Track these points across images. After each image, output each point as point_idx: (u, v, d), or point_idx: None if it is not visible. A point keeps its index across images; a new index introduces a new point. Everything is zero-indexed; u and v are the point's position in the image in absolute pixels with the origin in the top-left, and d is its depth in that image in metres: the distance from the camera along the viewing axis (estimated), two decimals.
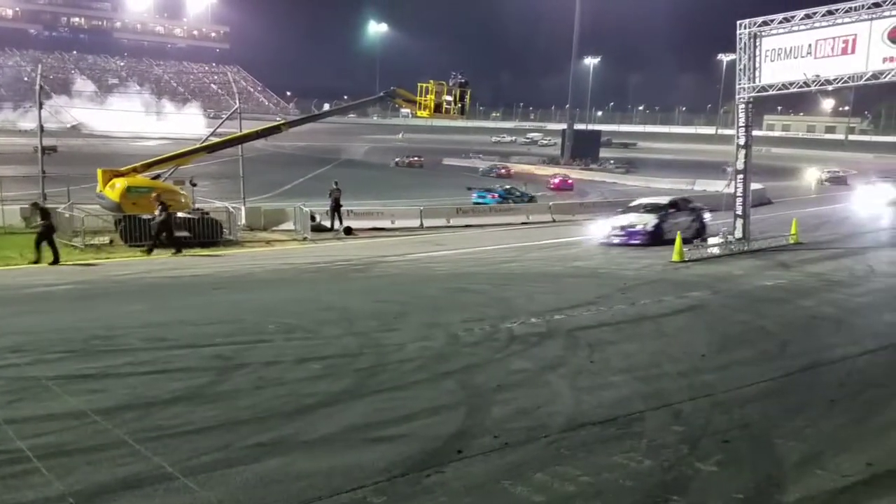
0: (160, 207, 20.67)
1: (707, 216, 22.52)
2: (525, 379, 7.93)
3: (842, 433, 6.35)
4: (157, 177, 23.44)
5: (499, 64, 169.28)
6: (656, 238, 20.29)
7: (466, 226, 28.84)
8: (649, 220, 20.88)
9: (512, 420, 6.54)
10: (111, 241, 21.74)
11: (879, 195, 33.34)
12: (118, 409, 6.80)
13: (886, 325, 10.71)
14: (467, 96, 26.73)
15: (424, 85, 25.98)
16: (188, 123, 79.55)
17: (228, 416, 6.63)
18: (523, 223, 29.99)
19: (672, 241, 18.51)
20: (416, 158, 64.92)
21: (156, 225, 20.78)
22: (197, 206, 24.07)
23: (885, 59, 16.70)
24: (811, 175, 56.06)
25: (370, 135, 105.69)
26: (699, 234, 21.15)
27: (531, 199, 36.98)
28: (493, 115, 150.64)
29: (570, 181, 52.77)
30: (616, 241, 20.91)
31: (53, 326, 10.86)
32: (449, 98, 26.04)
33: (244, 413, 6.74)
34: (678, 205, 22.12)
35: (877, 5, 16.63)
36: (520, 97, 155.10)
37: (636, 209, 22.29)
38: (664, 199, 23.06)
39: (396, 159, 65.23)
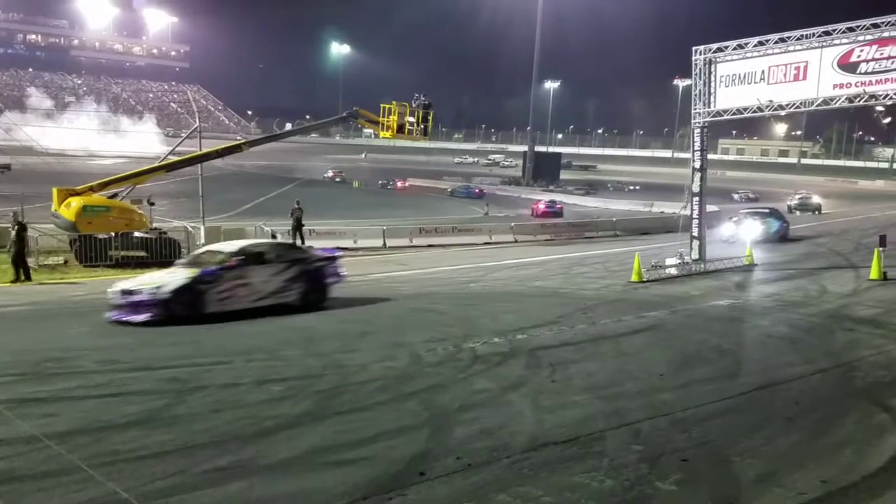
0: (16, 228, 19.14)
1: (339, 273, 15.17)
2: (488, 399, 7.93)
3: (797, 451, 6.47)
4: (114, 196, 23.07)
5: (461, 86, 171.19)
6: (186, 309, 12.75)
7: (429, 245, 28.87)
8: (170, 281, 13.07)
9: (475, 440, 6.53)
10: (66, 262, 21.29)
11: (745, 233, 25.80)
12: (71, 434, 6.62)
13: (839, 344, 10.96)
14: (430, 117, 26.85)
15: (387, 106, 26.04)
16: (146, 142, 78.58)
17: (185, 440, 6.50)
18: (486, 243, 30.12)
19: (235, 315, 13.08)
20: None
21: (14, 247, 18.77)
22: (154, 225, 23.72)
23: (835, 86, 17.21)
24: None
25: (333, 155, 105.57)
26: (311, 299, 14.28)
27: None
28: (456, 136, 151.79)
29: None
30: (124, 316, 12.73)
31: (5, 348, 10.56)
32: (412, 119, 26.13)
33: (202, 436, 6.62)
34: (260, 256, 14.13)
35: (827, 34, 17.17)
36: (482, 119, 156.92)
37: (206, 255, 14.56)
38: (232, 246, 14.77)
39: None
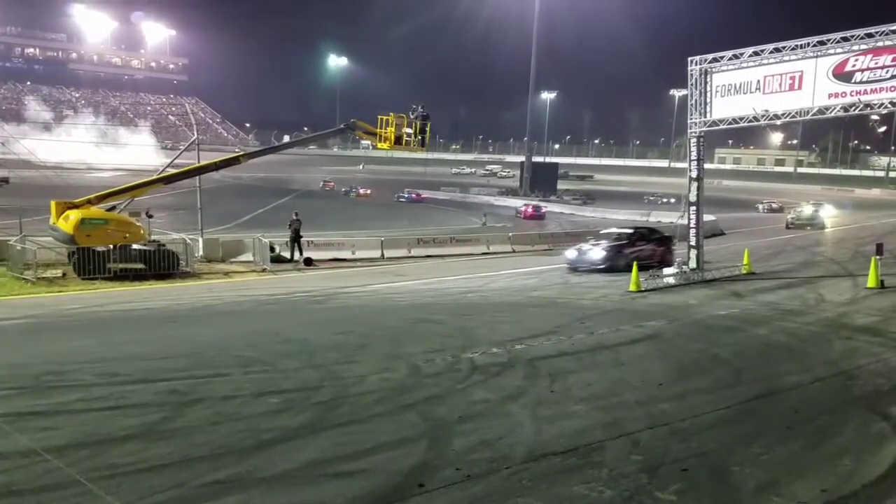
0: None
1: None
2: (487, 409, 7.93)
3: (797, 460, 6.47)
4: (112, 208, 23.06)
5: (458, 97, 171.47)
6: None
7: (427, 256, 28.88)
8: None
9: (474, 452, 6.53)
10: (64, 275, 21.25)
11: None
12: (70, 447, 6.61)
13: (837, 352, 10.97)
14: (427, 129, 26.86)
15: (385, 117, 26.05)
16: (144, 154, 78.75)
17: (184, 453, 6.49)
18: (483, 253, 30.15)
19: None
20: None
21: None
22: (153, 237, 23.71)
23: (830, 95, 17.29)
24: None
25: (330, 166, 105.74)
26: None
27: None
28: (453, 147, 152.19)
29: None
30: None
31: (2, 362, 10.54)
32: (409, 130, 26.13)
33: (200, 449, 6.61)
34: None
35: (822, 43, 17.26)
36: (479, 130, 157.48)
37: None
38: None
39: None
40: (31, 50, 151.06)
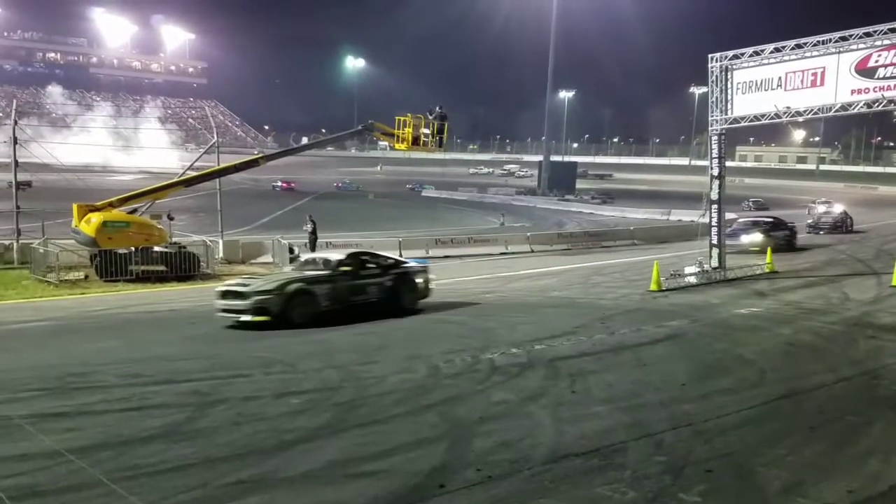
0: None
1: None
2: (507, 410, 7.89)
3: (822, 460, 6.38)
4: (133, 211, 23.26)
5: (475, 97, 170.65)
6: None
7: (445, 256, 28.84)
8: None
9: (494, 453, 6.49)
10: (86, 277, 21.45)
11: None
12: (93, 448, 6.66)
13: (862, 352, 10.82)
14: (445, 129, 26.80)
15: (402, 118, 26.06)
16: (165, 157, 79.39)
17: (206, 454, 6.51)
18: (502, 253, 30.08)
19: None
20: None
21: None
22: (174, 239, 23.88)
23: (853, 91, 17.06)
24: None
25: (348, 168, 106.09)
26: None
27: None
28: (471, 147, 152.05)
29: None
30: None
31: (27, 364, 10.66)
32: (427, 131, 26.09)
33: (222, 450, 6.63)
34: None
35: (844, 39, 17.04)
36: (496, 130, 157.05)
37: None
38: None
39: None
40: (53, 55, 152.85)
